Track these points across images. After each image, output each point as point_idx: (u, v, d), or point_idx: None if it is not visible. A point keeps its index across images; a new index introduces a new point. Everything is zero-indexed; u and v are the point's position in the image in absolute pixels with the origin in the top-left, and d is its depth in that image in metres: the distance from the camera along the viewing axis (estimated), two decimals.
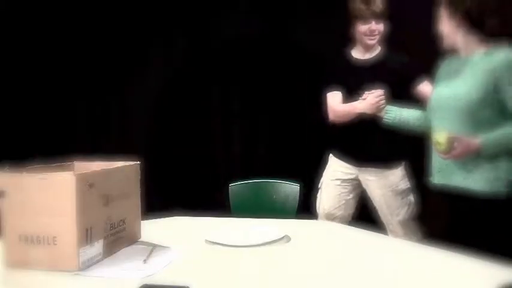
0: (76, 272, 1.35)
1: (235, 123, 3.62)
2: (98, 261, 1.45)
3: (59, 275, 1.33)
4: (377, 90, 2.41)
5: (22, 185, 1.39)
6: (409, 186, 2.63)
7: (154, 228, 1.84)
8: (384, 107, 2.39)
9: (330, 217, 2.64)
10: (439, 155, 1.95)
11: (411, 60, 2.57)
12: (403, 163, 2.65)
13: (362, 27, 2.57)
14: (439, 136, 1.89)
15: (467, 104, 1.98)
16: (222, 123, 3.63)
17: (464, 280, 1.26)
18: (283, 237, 1.71)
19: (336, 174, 2.71)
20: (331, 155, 2.76)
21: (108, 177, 1.55)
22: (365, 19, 2.54)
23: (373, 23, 2.54)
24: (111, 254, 1.53)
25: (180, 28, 3.61)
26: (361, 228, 1.83)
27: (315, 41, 3.26)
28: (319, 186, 2.73)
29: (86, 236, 1.39)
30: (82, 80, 3.54)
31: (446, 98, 2.07)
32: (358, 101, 2.48)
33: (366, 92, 2.44)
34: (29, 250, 1.37)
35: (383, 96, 2.39)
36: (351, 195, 2.70)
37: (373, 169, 2.63)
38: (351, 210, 2.70)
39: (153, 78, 3.57)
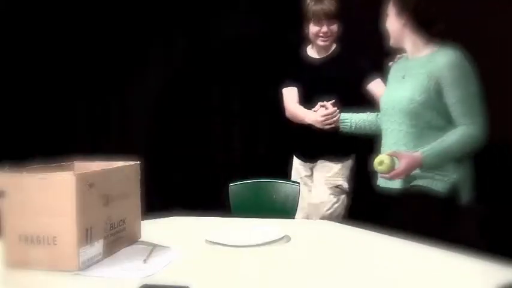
0: (76, 272, 1.35)
1: (235, 123, 3.62)
2: (98, 261, 1.45)
3: (59, 275, 1.33)
4: (330, 105, 2.39)
5: (22, 185, 1.39)
6: (346, 186, 2.66)
7: (154, 228, 1.83)
8: (338, 117, 2.38)
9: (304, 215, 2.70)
10: (382, 176, 1.94)
11: (365, 58, 2.58)
12: (348, 162, 2.68)
13: (314, 28, 2.59)
14: (380, 157, 1.88)
15: (412, 107, 2.00)
16: (222, 123, 3.63)
17: (464, 280, 1.26)
18: (283, 237, 1.71)
19: (297, 172, 2.79)
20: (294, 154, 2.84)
21: (108, 177, 1.54)
22: (317, 20, 2.55)
23: (325, 24, 2.55)
24: (111, 254, 1.53)
25: (180, 28, 3.61)
26: (361, 227, 1.83)
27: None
28: None
29: (86, 236, 1.39)
30: (82, 80, 3.54)
31: (393, 101, 2.08)
32: (310, 112, 2.49)
33: (319, 104, 2.43)
34: (29, 250, 1.37)
35: (334, 114, 2.38)
36: None
37: (319, 163, 2.69)
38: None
39: (153, 78, 3.57)
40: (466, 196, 2.02)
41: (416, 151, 1.95)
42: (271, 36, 3.44)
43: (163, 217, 2.13)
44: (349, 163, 2.70)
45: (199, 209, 2.14)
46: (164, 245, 1.64)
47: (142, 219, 1.76)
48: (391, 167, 1.90)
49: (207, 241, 1.69)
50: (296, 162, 2.82)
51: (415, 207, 1.93)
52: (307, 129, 2.54)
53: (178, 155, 3.52)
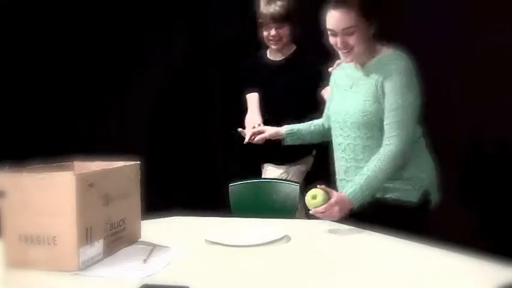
0: (76, 272, 1.35)
1: (236, 123, 3.62)
2: (98, 261, 1.45)
3: (59, 275, 1.34)
4: (259, 127, 2.36)
5: (22, 185, 1.39)
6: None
7: (154, 228, 1.83)
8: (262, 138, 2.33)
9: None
10: (313, 211, 1.81)
11: (321, 62, 2.41)
12: (295, 167, 2.70)
13: (264, 32, 2.57)
14: (313, 191, 1.81)
15: (366, 119, 1.94)
16: (222, 123, 3.63)
17: (463, 279, 1.26)
18: (283, 237, 1.71)
19: (266, 174, 2.80)
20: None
21: (108, 177, 1.55)
22: (266, 24, 2.53)
23: (274, 27, 2.53)
24: (111, 254, 1.53)
25: (181, 28, 3.61)
26: (360, 228, 1.83)
27: (314, 41, 3.25)
28: None
29: (86, 235, 1.39)
30: (82, 80, 3.54)
31: (345, 114, 2.01)
32: (247, 128, 2.45)
33: (257, 123, 2.41)
34: (29, 250, 1.37)
35: (259, 137, 2.32)
36: None
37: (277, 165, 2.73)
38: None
39: (153, 78, 3.57)
40: (436, 199, 2.02)
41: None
42: None
43: (163, 217, 2.13)
44: (296, 168, 2.71)
45: (199, 209, 2.14)
46: (164, 245, 1.64)
47: (142, 219, 1.76)
48: (325, 202, 1.79)
49: (206, 241, 1.69)
50: (264, 165, 2.85)
51: (385, 220, 1.83)
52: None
53: (178, 155, 3.52)
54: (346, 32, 1.89)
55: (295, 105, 2.51)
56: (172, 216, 2.15)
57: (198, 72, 3.58)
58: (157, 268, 1.39)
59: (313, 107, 2.40)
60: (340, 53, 1.98)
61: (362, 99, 1.96)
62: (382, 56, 1.98)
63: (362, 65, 2.01)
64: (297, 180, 2.60)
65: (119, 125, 3.67)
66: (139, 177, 1.73)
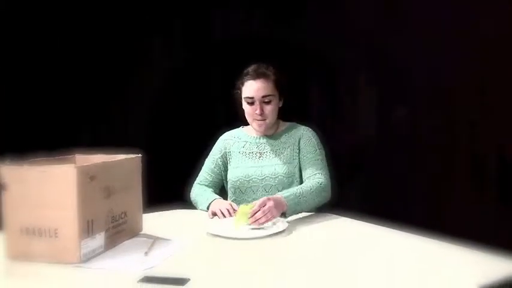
0: (77, 264, 1.35)
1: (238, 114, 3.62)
2: (99, 254, 1.45)
3: (60, 267, 1.34)
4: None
5: (23, 178, 1.39)
6: None
7: (155, 221, 1.84)
8: None
9: None
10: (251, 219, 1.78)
11: None
12: None
13: None
14: (243, 209, 1.78)
15: (287, 179, 2.17)
16: (225, 115, 3.62)
17: (460, 272, 1.26)
18: (284, 230, 1.71)
19: None
20: None
21: (110, 169, 1.55)
22: None
23: None
24: (113, 247, 1.53)
25: (182, 19, 3.60)
26: (364, 221, 1.83)
27: (314, 40, 3.26)
28: None
29: (88, 228, 1.39)
30: (83, 72, 3.53)
31: (263, 175, 2.20)
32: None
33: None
34: (30, 242, 1.38)
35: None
36: None
37: None
38: None
39: (155, 70, 3.56)
40: None
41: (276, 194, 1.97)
42: (270, 35, 3.44)
43: (165, 210, 2.13)
44: None
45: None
46: (165, 237, 1.65)
47: (144, 212, 1.77)
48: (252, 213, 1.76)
49: (208, 234, 1.70)
50: None
51: None
52: None
53: (180, 148, 3.52)
54: (264, 100, 2.18)
55: None
56: (173, 209, 2.16)
57: (201, 64, 3.57)
58: (158, 260, 1.39)
59: None
60: (254, 123, 2.25)
61: (283, 163, 2.22)
62: (287, 128, 2.33)
63: (273, 135, 2.31)
64: None
65: (120, 118, 3.67)
66: (140, 170, 1.74)
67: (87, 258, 1.39)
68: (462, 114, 2.86)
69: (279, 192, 1.96)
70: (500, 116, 2.68)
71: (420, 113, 3.08)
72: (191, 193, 2.35)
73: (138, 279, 1.22)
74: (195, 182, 2.42)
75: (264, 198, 1.82)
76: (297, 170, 2.21)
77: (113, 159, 1.62)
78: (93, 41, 3.53)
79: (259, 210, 1.75)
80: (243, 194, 2.23)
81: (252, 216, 1.74)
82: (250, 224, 1.74)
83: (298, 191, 1.97)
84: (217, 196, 2.19)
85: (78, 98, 3.55)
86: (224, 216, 1.97)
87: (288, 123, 2.36)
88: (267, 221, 1.76)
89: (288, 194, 1.93)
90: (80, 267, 1.35)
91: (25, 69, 3.36)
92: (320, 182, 2.09)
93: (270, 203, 1.78)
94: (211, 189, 2.33)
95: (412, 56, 2.97)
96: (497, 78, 2.69)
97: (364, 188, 3.37)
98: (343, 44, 3.22)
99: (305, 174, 2.17)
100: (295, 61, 3.25)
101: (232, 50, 3.47)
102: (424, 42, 2.92)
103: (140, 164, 1.73)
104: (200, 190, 2.31)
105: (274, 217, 1.79)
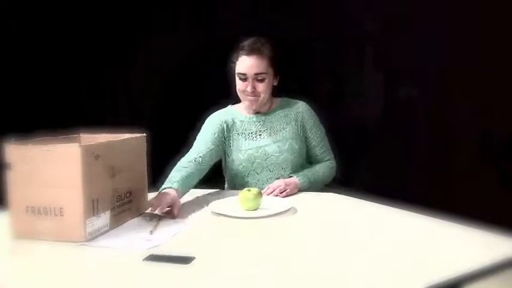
0: (83, 243, 1.36)
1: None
2: (104, 233, 1.46)
3: (65, 246, 1.35)
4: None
5: (28, 157, 1.39)
6: None
7: None
8: None
9: None
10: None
11: None
12: None
13: None
14: (249, 193, 1.72)
15: (292, 155, 2.15)
16: (230, 97, 3.61)
17: (464, 250, 1.26)
18: (289, 209, 1.71)
19: None
20: None
21: (115, 149, 1.54)
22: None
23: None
24: (118, 226, 1.54)
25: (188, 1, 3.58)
26: (369, 200, 1.83)
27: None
28: None
29: (93, 207, 1.40)
30: (88, 51, 3.52)
31: (268, 154, 2.16)
32: None
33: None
34: (35, 221, 1.38)
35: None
36: None
37: None
38: None
39: (161, 49, 3.54)
40: None
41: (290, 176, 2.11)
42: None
43: None
44: None
45: (206, 181, 2.14)
46: (170, 216, 1.65)
47: (149, 191, 1.77)
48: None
49: (213, 212, 1.70)
50: None
51: None
52: None
53: (185, 127, 3.52)
54: (257, 78, 2.09)
55: None
56: None
57: (207, 44, 3.55)
58: (163, 239, 1.40)
59: None
60: (246, 100, 2.17)
61: (284, 140, 2.18)
62: (281, 103, 2.27)
63: (268, 112, 2.24)
64: None
65: (125, 97, 3.66)
66: (145, 149, 1.73)
67: (93, 236, 1.40)
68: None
69: (294, 175, 2.09)
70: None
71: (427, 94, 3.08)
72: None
73: (143, 258, 1.23)
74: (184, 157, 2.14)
75: (280, 180, 2.01)
76: (303, 145, 2.21)
77: (118, 139, 1.62)
78: (99, 17, 3.51)
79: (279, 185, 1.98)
80: (247, 177, 2.18)
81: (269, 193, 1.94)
82: (255, 209, 1.72)
83: (312, 178, 2.12)
84: (175, 187, 1.78)
85: (83, 78, 3.55)
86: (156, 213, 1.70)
87: (279, 99, 2.29)
88: (284, 192, 1.96)
89: (303, 180, 2.08)
90: (85, 245, 1.35)
91: (30, 47, 3.35)
92: (331, 166, 2.25)
93: (284, 183, 2.00)
94: (193, 169, 2.00)
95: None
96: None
97: (368, 167, 3.38)
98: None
99: (315, 153, 2.24)
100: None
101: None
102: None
103: (145, 143, 1.73)
104: (178, 166, 2.00)
105: (291, 192, 1.99)
